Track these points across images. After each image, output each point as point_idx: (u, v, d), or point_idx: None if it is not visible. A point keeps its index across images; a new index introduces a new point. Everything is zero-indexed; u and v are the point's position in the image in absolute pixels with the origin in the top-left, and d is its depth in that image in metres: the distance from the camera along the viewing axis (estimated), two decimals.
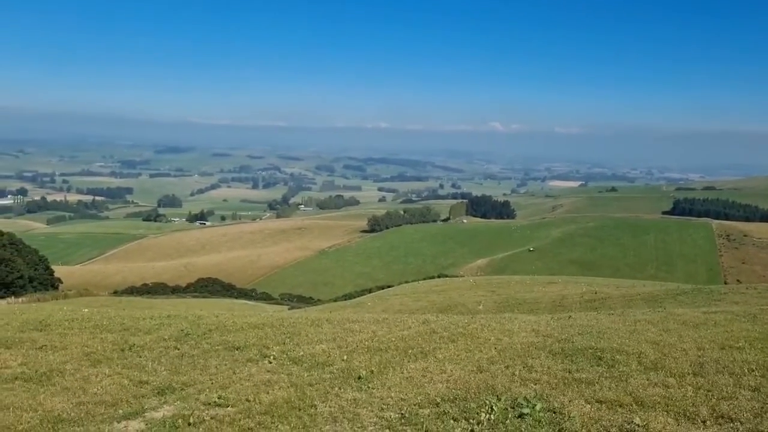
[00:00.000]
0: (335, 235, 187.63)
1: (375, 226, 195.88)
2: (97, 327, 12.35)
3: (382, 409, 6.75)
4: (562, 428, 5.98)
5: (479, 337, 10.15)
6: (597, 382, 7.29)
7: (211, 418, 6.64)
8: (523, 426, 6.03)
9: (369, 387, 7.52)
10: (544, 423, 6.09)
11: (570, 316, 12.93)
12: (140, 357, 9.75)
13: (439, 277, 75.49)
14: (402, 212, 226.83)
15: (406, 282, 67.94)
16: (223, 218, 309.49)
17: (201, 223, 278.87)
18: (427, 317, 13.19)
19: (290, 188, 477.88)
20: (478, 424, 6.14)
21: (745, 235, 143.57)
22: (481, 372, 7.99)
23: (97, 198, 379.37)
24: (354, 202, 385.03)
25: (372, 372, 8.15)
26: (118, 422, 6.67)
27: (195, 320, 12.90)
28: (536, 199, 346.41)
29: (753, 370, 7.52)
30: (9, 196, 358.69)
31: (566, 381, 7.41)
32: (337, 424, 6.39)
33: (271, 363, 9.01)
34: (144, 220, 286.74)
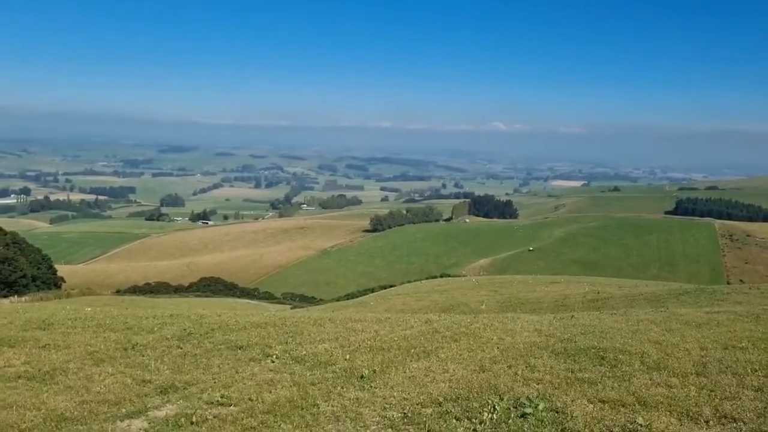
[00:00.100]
0: (338, 235, 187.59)
1: (377, 225, 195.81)
2: (100, 326, 12.37)
3: (385, 408, 6.75)
4: (565, 428, 5.98)
5: (482, 337, 10.14)
6: (600, 382, 7.28)
7: (214, 417, 6.65)
8: (526, 426, 6.03)
9: (371, 386, 7.52)
10: (546, 423, 6.09)
11: (572, 316, 12.92)
12: (143, 356, 9.77)
13: (441, 276, 75.45)
14: (404, 212, 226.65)
15: (409, 282, 67.98)
16: (225, 218, 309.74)
17: (204, 223, 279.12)
18: (430, 317, 13.18)
19: (293, 188, 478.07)
20: (480, 423, 6.14)
21: (748, 235, 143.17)
22: (483, 371, 7.98)
23: (100, 197, 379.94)
24: (356, 201, 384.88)
25: (374, 371, 8.15)
26: (121, 421, 6.68)
27: (198, 319, 12.91)
28: (539, 199, 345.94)
29: (756, 370, 7.51)
30: (12, 196, 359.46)
31: (569, 381, 7.40)
32: (340, 424, 6.39)
33: (273, 362, 9.02)
34: (147, 219, 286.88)
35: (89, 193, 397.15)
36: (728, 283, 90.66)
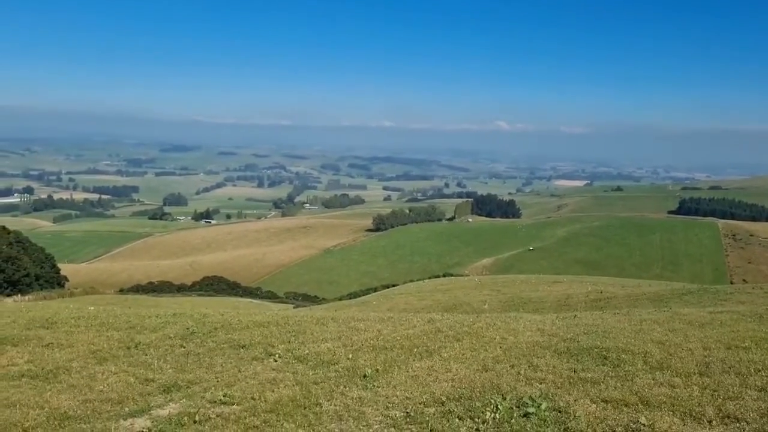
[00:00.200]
0: (340, 234, 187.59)
1: (380, 225, 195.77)
2: (103, 325, 12.41)
3: (388, 407, 6.76)
4: (568, 427, 5.97)
5: (484, 336, 10.14)
6: (602, 382, 7.28)
7: (217, 416, 6.66)
8: (529, 425, 6.03)
9: (374, 385, 7.53)
10: (549, 422, 6.09)
11: (575, 316, 12.91)
12: (146, 355, 9.79)
13: (444, 276, 75.38)
14: (407, 211, 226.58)
15: (411, 281, 67.93)
16: (228, 217, 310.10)
17: (206, 222, 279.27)
18: (433, 316, 13.19)
19: (295, 187, 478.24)
20: (483, 423, 6.14)
21: (751, 235, 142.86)
22: (486, 371, 7.99)
23: (103, 196, 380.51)
24: (359, 200, 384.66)
25: (377, 371, 8.16)
26: (125, 419, 6.69)
27: (200, 318, 12.94)
28: (541, 199, 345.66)
29: (759, 370, 7.49)
30: (15, 195, 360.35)
31: (571, 380, 7.40)
32: (343, 423, 6.39)
33: (276, 361, 9.03)
34: (150, 218, 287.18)
35: (92, 192, 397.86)
36: (731, 283, 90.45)
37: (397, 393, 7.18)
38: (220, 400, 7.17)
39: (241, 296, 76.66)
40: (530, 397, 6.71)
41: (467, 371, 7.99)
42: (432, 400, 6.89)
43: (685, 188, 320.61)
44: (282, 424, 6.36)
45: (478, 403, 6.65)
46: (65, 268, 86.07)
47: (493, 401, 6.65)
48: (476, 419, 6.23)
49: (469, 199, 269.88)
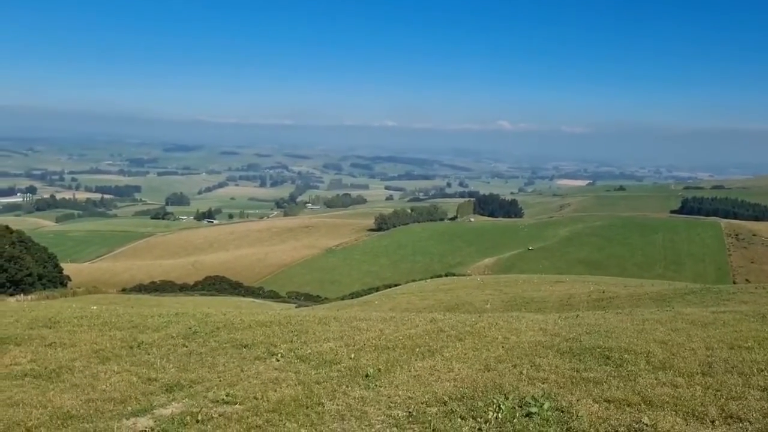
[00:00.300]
0: (342, 234, 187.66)
1: (382, 224, 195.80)
2: (105, 324, 12.43)
3: (390, 407, 6.76)
4: (570, 427, 5.97)
5: (487, 336, 10.14)
6: (605, 382, 7.27)
7: (219, 415, 6.66)
8: (531, 425, 6.02)
9: (376, 385, 7.53)
10: (551, 422, 6.08)
11: (578, 315, 12.90)
12: (149, 354, 9.80)
13: (446, 275, 75.42)
14: (409, 211, 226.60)
15: (413, 280, 67.95)
16: (230, 216, 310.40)
17: (209, 222, 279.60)
18: (435, 316, 13.19)
19: (298, 186, 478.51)
20: (485, 422, 6.14)
21: (754, 235, 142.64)
22: (488, 371, 7.98)
23: (106, 196, 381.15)
24: (361, 200, 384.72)
25: (379, 370, 8.16)
26: (127, 419, 6.70)
27: (203, 318, 12.96)
28: (544, 198, 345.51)
29: (762, 370, 7.48)
30: (18, 194, 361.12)
31: (574, 380, 7.39)
32: (345, 422, 6.39)
33: (278, 361, 9.04)
34: (152, 218, 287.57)
35: (95, 191, 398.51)
36: (734, 283, 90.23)
37: (400, 393, 7.18)
38: (223, 399, 7.18)
39: (244, 296, 76.79)
40: (533, 397, 6.70)
41: (469, 371, 7.99)
42: (434, 399, 6.89)
43: (687, 188, 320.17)
44: (284, 424, 6.37)
45: (480, 403, 6.65)
46: (68, 268, 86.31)
47: (495, 401, 6.64)
48: (478, 419, 6.23)
49: (472, 199, 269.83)
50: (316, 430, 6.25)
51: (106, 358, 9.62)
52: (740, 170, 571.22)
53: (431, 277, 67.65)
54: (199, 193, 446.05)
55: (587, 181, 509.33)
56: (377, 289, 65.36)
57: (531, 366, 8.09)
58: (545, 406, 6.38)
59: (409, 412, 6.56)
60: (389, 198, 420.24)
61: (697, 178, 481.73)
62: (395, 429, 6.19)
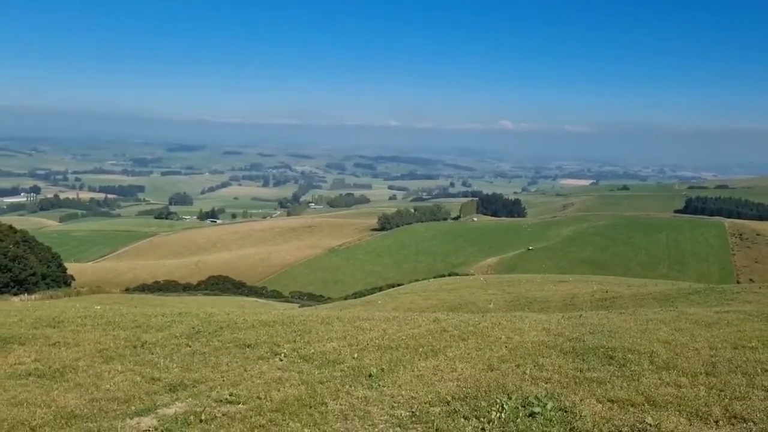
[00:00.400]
0: (345, 234, 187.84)
1: (385, 224, 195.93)
2: (109, 324, 12.46)
3: (393, 407, 6.76)
4: (573, 427, 5.96)
5: (490, 336, 10.13)
6: (608, 382, 7.26)
7: (223, 415, 6.67)
8: (534, 425, 6.01)
9: (380, 385, 7.53)
10: (555, 422, 6.07)
11: (581, 315, 12.90)
12: (152, 354, 9.82)
13: (449, 275, 75.48)
14: (412, 210, 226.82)
15: (417, 280, 67.97)
16: (233, 216, 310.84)
17: (212, 221, 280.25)
18: (438, 315, 13.19)
19: (301, 186, 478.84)
20: (488, 422, 6.13)
21: (758, 234, 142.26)
22: (491, 370, 7.98)
23: (109, 196, 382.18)
24: (364, 200, 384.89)
25: (383, 370, 8.16)
26: (131, 418, 6.71)
27: (206, 318, 12.98)
28: (547, 198, 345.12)
29: (766, 370, 7.46)
30: (22, 194, 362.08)
31: (577, 380, 7.38)
32: (348, 422, 6.39)
33: (281, 361, 9.05)
34: (155, 218, 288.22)
35: (98, 191, 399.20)
36: (738, 283, 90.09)
37: (403, 392, 7.18)
38: (226, 399, 7.18)
39: (247, 295, 76.96)
40: (536, 397, 6.70)
41: (473, 371, 7.99)
42: (437, 399, 6.89)
43: (691, 187, 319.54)
44: (288, 424, 6.37)
45: (483, 403, 6.64)
46: (71, 268, 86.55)
47: (498, 401, 6.64)
48: (482, 419, 6.22)
49: (475, 199, 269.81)
50: (319, 429, 6.25)
51: (110, 357, 9.64)
52: (744, 170, 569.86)
53: (434, 277, 67.75)
54: (203, 192, 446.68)
55: (590, 181, 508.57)
56: (380, 289, 65.44)
57: (534, 366, 8.08)
58: (548, 406, 6.38)
59: (412, 411, 6.56)
60: (392, 198, 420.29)
61: (700, 178, 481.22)
62: (398, 429, 6.19)
